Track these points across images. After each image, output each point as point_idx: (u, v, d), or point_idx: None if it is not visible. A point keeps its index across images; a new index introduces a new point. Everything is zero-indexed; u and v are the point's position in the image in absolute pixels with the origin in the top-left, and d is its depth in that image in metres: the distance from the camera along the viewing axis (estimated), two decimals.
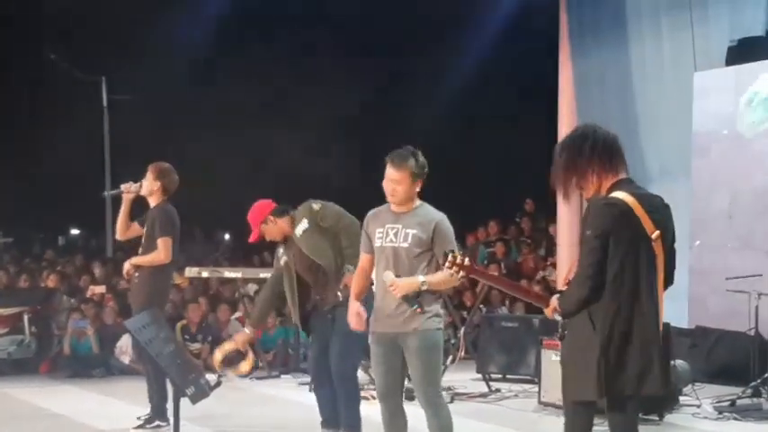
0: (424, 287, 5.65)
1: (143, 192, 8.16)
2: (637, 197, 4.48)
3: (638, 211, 4.44)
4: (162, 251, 7.97)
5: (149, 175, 8.16)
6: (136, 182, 8.21)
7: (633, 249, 4.44)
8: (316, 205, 7.10)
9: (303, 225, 7.09)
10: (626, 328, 4.42)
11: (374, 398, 6.52)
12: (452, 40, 19.10)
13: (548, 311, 4.75)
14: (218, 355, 7.54)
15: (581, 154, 4.54)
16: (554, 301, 4.69)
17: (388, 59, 23.36)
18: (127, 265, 8.15)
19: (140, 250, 8.16)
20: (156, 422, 8.05)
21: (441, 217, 5.84)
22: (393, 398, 5.86)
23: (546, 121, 14.80)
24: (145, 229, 8.14)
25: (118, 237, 8.50)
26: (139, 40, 22.44)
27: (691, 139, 11.85)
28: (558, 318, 4.68)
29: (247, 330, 7.54)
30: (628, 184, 4.54)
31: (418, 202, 5.89)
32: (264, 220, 7.25)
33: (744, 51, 11.43)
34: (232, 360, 8.23)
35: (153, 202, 8.17)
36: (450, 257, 4.95)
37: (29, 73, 24.93)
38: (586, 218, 4.56)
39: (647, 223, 4.45)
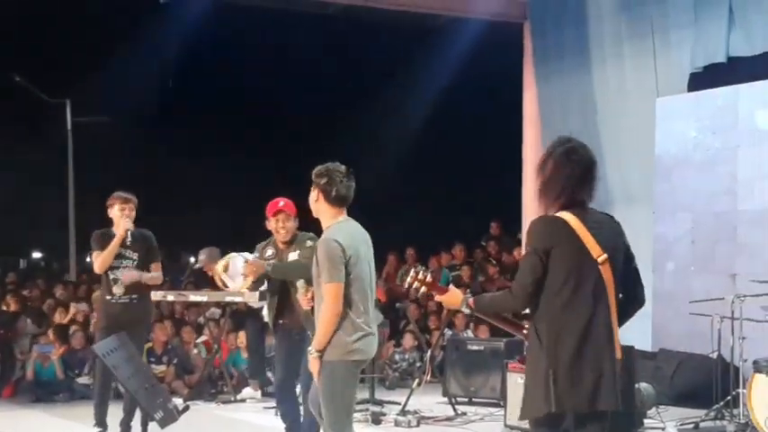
0: (313, 355, 5.57)
1: (131, 224, 8.31)
2: (579, 216, 4.52)
3: (581, 231, 4.48)
4: (161, 273, 8.43)
5: (131, 208, 8.32)
6: (112, 212, 8.35)
7: (576, 266, 4.48)
8: (311, 242, 7.28)
9: (296, 254, 7.40)
10: (574, 342, 4.45)
11: None
12: (417, 64, 19.22)
13: (451, 301, 4.84)
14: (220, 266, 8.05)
15: (553, 171, 4.58)
16: (470, 299, 4.77)
17: (354, 83, 23.49)
18: (136, 276, 8.25)
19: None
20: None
21: (324, 238, 5.65)
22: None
23: (511, 144, 14.92)
24: (137, 252, 8.33)
25: (101, 271, 8.41)
26: (105, 63, 22.40)
27: (653, 163, 11.98)
28: (467, 311, 4.79)
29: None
30: (575, 207, 4.57)
31: (334, 221, 5.74)
32: (295, 218, 7.48)
33: (705, 78, 11.61)
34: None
35: (131, 227, 8.31)
36: (412, 272, 4.92)
37: None
38: (528, 232, 4.61)
39: (591, 245, 4.48)
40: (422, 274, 4.90)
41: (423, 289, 4.93)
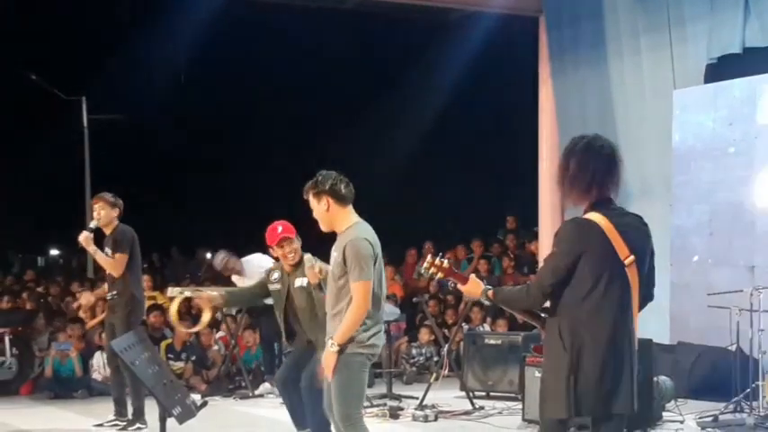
0: (334, 349, 5.57)
1: (102, 224, 8.84)
2: (610, 218, 4.48)
3: (611, 233, 4.45)
4: (117, 263, 8.75)
5: (104, 207, 8.82)
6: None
7: (605, 270, 4.45)
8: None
9: (303, 280, 7.33)
10: (599, 350, 4.44)
11: None
12: (433, 59, 19.19)
13: (472, 291, 4.78)
14: (174, 307, 8.10)
15: (579, 166, 4.53)
16: (489, 290, 4.74)
17: (370, 77, 23.48)
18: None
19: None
20: (137, 424, 8.66)
21: (353, 237, 5.63)
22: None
23: (527, 138, 14.88)
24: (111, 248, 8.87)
25: (116, 274, 8.83)
26: (121, 61, 22.45)
27: (671, 156, 11.93)
28: (486, 302, 4.83)
29: (215, 294, 7.47)
30: (604, 206, 4.54)
31: (351, 222, 5.76)
32: (297, 236, 7.42)
33: (721, 69, 11.55)
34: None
35: (111, 227, 8.85)
36: (429, 258, 4.89)
37: (9, 93, 24.90)
38: (558, 234, 4.57)
39: (619, 246, 4.45)
40: (438, 260, 4.86)
41: (439, 275, 4.88)
